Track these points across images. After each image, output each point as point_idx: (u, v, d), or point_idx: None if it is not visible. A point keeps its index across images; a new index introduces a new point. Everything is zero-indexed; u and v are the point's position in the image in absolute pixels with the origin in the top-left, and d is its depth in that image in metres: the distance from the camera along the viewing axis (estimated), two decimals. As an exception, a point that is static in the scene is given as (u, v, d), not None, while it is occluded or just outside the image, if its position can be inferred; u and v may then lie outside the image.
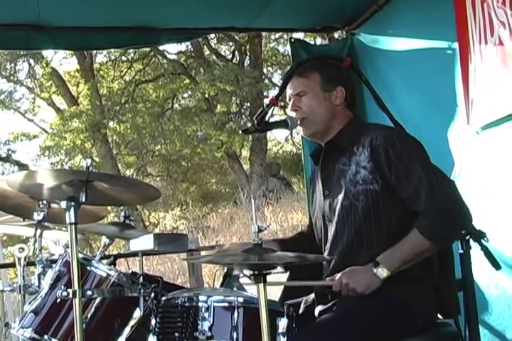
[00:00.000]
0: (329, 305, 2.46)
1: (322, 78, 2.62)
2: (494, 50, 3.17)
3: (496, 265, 2.49)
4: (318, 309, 2.52)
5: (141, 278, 2.56)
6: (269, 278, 2.06)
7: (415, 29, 3.96)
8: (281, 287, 3.40)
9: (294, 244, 2.81)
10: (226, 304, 2.32)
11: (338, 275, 2.40)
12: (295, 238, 2.95)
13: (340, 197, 2.51)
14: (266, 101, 2.62)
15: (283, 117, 2.67)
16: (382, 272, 2.32)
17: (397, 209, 2.44)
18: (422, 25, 3.87)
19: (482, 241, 2.46)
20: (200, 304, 2.33)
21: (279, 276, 3.41)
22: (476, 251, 2.47)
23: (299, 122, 2.62)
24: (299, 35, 10.30)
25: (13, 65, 17.16)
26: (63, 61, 18.65)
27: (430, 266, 2.50)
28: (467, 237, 2.46)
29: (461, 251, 2.47)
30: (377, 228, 2.43)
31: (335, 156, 2.60)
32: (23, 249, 2.99)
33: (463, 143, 3.55)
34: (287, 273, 3.46)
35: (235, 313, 2.29)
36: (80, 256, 2.47)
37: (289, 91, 2.66)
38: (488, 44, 3.21)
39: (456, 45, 3.52)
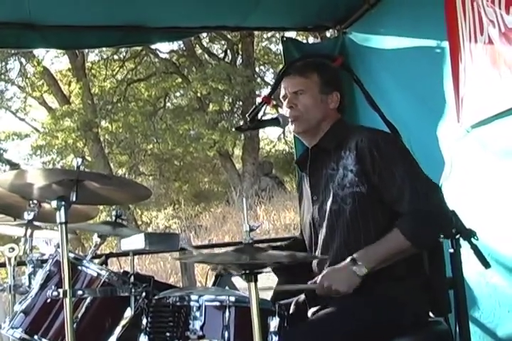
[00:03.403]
0: (321, 306, 2.46)
1: (321, 80, 2.63)
2: (484, 48, 3.18)
3: (486, 263, 2.50)
4: (311, 311, 2.52)
5: (132, 277, 2.55)
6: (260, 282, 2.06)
7: (406, 28, 3.97)
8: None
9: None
10: (217, 303, 2.32)
11: (318, 279, 2.39)
12: (289, 245, 2.94)
13: (329, 201, 2.52)
14: (258, 99, 2.62)
15: (275, 115, 2.67)
16: (361, 270, 2.32)
17: (385, 210, 2.45)
18: (413, 24, 3.88)
19: (472, 239, 2.47)
20: (191, 303, 2.32)
21: (269, 278, 3.41)
22: (466, 250, 2.48)
23: (291, 119, 2.62)
24: (291, 34, 10.25)
25: (4, 63, 17.09)
26: (55, 60, 18.71)
27: (420, 264, 2.52)
28: (457, 236, 2.47)
29: (451, 250, 2.48)
30: (365, 230, 2.44)
31: (322, 161, 2.60)
32: (13, 249, 2.98)
33: (453, 141, 3.56)
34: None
35: (227, 312, 2.29)
36: (71, 255, 2.47)
37: (286, 88, 2.65)
38: (478, 43, 3.22)
39: (446, 44, 3.54)
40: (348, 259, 2.35)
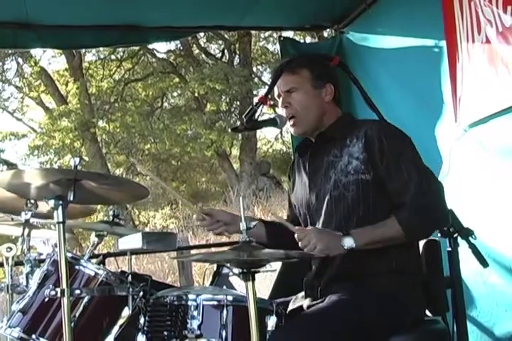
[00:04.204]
0: (318, 301, 2.46)
1: (312, 75, 2.63)
2: (481, 48, 3.19)
3: (484, 262, 2.51)
4: (306, 303, 2.51)
5: (130, 276, 2.55)
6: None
7: (403, 27, 3.97)
8: (271, 286, 3.40)
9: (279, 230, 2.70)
10: (215, 302, 2.32)
11: (308, 228, 2.42)
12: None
13: (329, 187, 2.52)
14: (256, 99, 2.61)
15: (272, 115, 2.67)
16: (348, 242, 2.32)
17: (386, 199, 2.45)
18: (411, 24, 3.88)
19: (470, 238, 2.48)
20: (189, 302, 2.32)
21: (268, 274, 3.41)
22: (464, 249, 2.48)
23: (290, 121, 2.61)
24: (289, 34, 10.26)
25: (1, 63, 17.05)
26: (52, 60, 18.63)
27: (418, 262, 2.52)
28: (455, 235, 2.47)
29: (449, 249, 2.49)
30: (364, 217, 2.44)
31: (325, 148, 2.60)
32: (10, 249, 2.98)
33: (451, 140, 3.56)
34: (277, 271, 3.48)
35: (224, 311, 2.29)
36: (68, 255, 2.47)
37: (279, 88, 2.65)
38: (476, 42, 3.23)
39: (443, 44, 3.54)
40: (342, 231, 2.37)
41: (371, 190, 2.45)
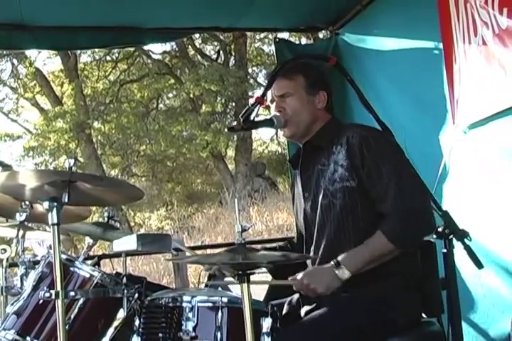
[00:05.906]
0: (315, 305, 2.46)
1: (307, 82, 2.64)
2: (478, 49, 3.19)
3: (479, 264, 2.49)
4: (304, 310, 2.52)
5: (125, 278, 2.54)
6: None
7: (399, 29, 3.97)
8: (266, 287, 3.39)
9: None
10: (210, 304, 2.32)
11: (299, 275, 2.40)
12: (283, 247, 2.94)
13: (320, 196, 2.53)
14: (251, 100, 2.61)
15: (268, 116, 2.66)
16: (343, 273, 2.33)
17: (374, 205, 2.45)
18: (407, 25, 3.88)
19: (465, 240, 2.47)
20: (184, 304, 2.32)
21: (263, 276, 3.41)
22: (461, 250, 2.48)
23: (282, 124, 2.62)
24: (284, 35, 10.30)
25: (-4, 64, 17.02)
26: (47, 61, 18.58)
27: (414, 264, 2.52)
28: (450, 236, 2.46)
29: (444, 250, 2.48)
30: (354, 224, 2.45)
31: (314, 157, 2.61)
32: (5, 250, 2.96)
33: (449, 142, 3.56)
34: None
35: (219, 313, 2.29)
36: (63, 256, 2.46)
37: (272, 92, 2.65)
38: (472, 44, 3.23)
39: (440, 45, 3.54)
40: (332, 262, 2.36)
41: (358, 196, 2.45)
